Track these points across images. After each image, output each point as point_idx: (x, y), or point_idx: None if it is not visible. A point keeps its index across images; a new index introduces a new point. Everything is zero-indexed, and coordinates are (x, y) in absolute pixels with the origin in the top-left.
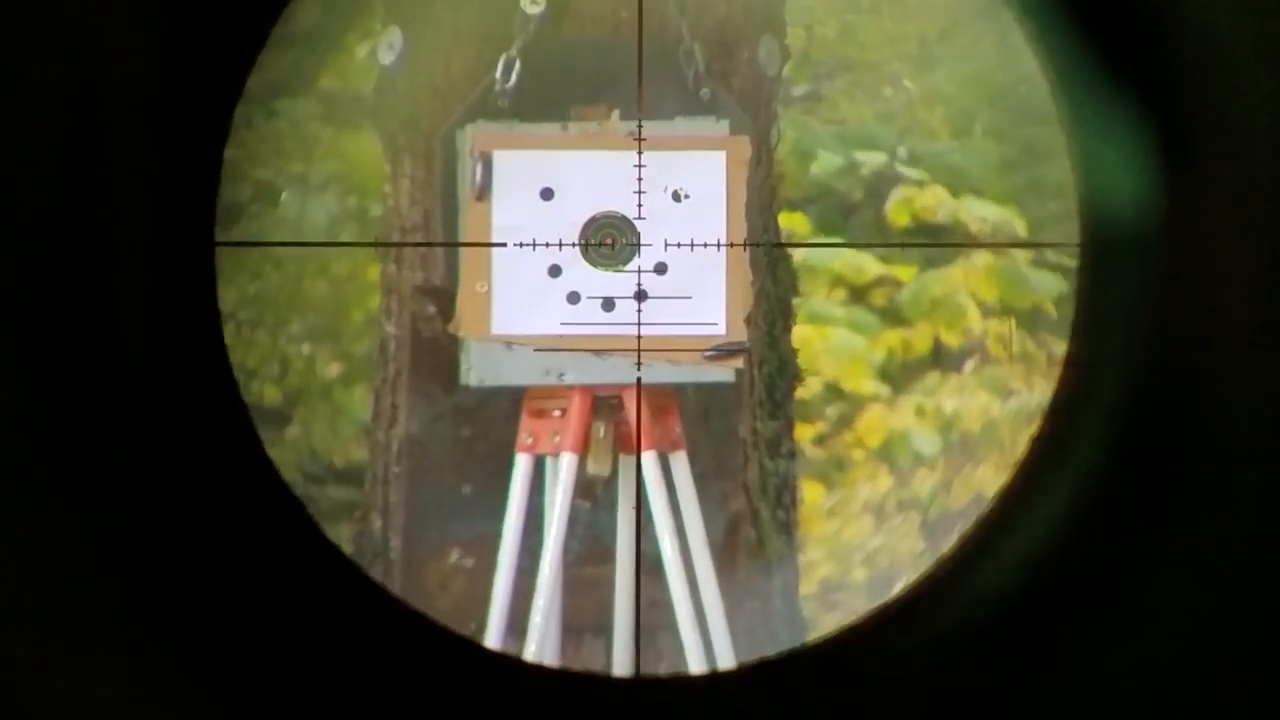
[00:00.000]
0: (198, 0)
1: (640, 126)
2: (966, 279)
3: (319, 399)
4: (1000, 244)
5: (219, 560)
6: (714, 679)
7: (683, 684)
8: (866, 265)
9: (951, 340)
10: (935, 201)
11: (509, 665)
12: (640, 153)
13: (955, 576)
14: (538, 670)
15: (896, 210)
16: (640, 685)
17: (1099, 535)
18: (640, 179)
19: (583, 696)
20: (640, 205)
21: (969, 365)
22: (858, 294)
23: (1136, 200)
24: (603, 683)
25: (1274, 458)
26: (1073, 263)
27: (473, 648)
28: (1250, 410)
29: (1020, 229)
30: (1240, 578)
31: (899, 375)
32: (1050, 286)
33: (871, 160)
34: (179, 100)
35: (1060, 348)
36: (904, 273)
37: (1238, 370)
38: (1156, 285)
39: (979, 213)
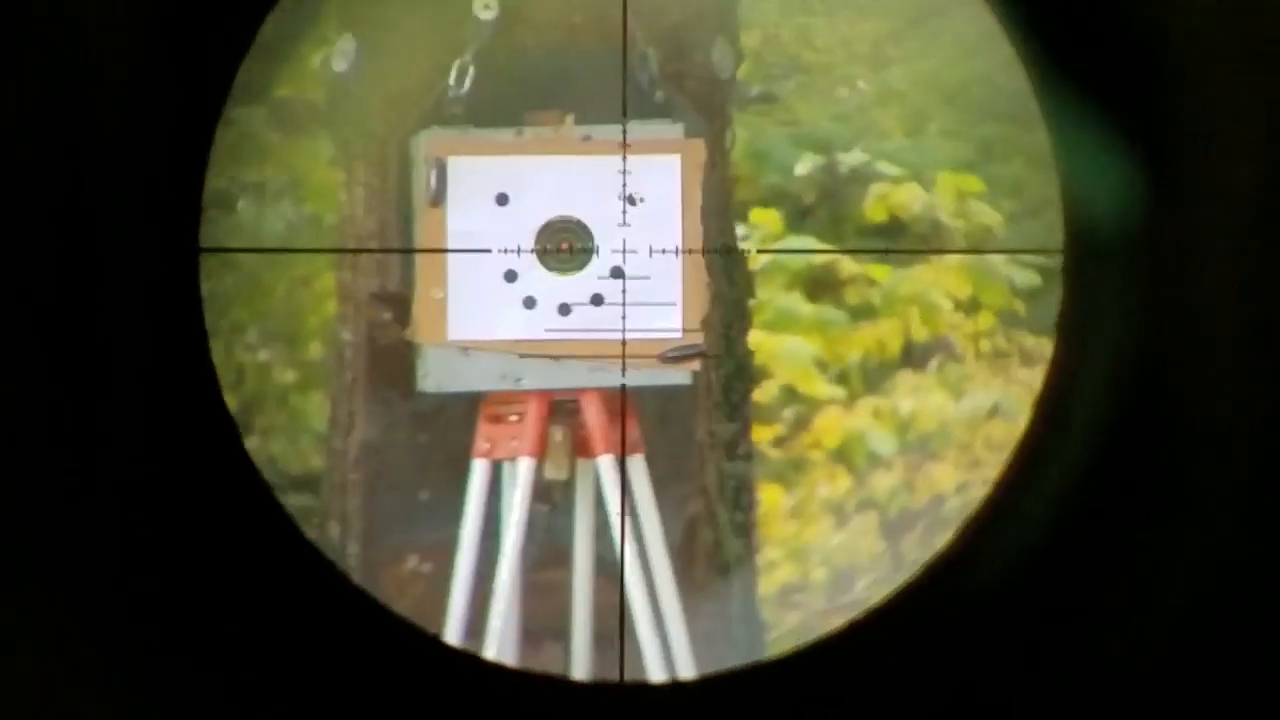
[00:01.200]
0: (182, 5)
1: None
2: (939, 276)
3: (276, 406)
4: (984, 250)
5: (199, 563)
6: (677, 689)
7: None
8: (838, 264)
9: (920, 338)
10: (910, 198)
11: (476, 666)
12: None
13: (941, 578)
14: (500, 670)
15: (874, 207)
16: (600, 690)
17: (1083, 540)
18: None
19: (543, 698)
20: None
21: (933, 364)
22: (826, 291)
23: (1119, 204)
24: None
25: (1256, 460)
26: (1048, 261)
27: (441, 647)
28: (1233, 413)
29: (995, 223)
30: (1221, 578)
31: (861, 376)
32: (1024, 282)
33: (848, 159)
34: (163, 106)
35: (1032, 343)
36: (878, 271)
37: (1221, 372)
38: (1140, 288)
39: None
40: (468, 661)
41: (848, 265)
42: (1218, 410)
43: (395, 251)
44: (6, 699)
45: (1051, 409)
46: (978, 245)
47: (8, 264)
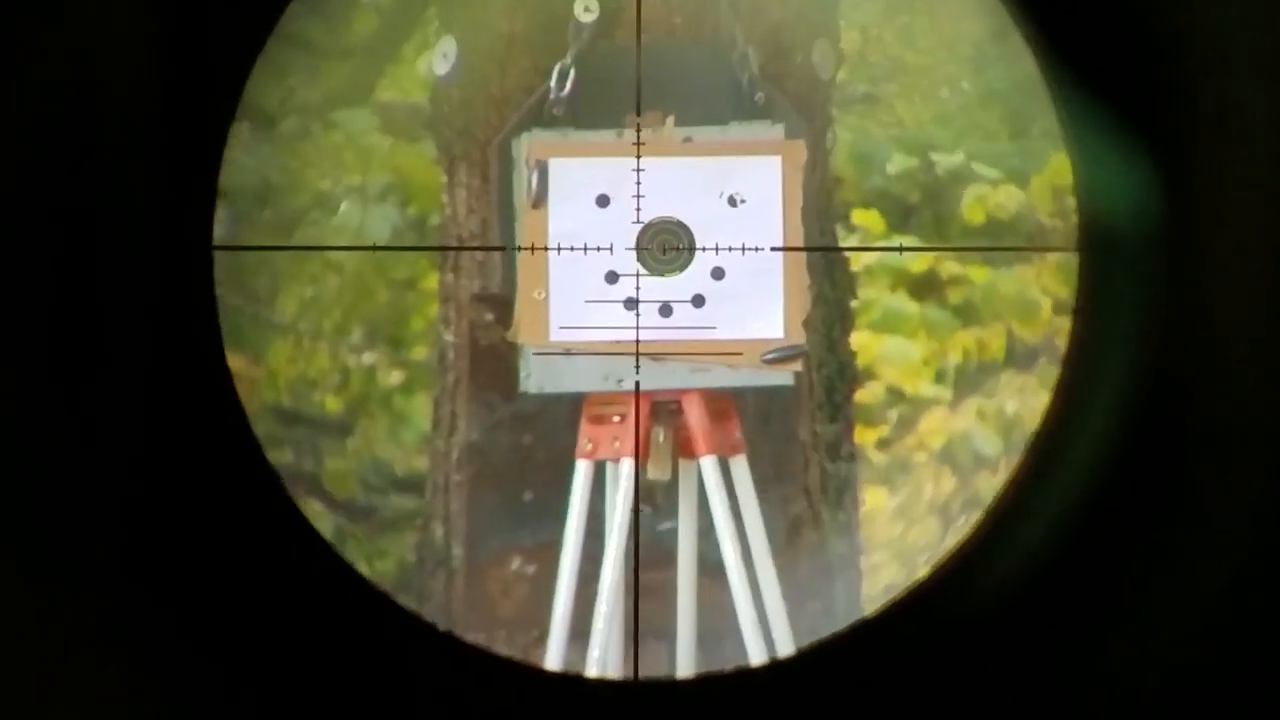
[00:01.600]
0: (195, 4)
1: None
2: (1038, 276)
3: (380, 408)
4: (997, 248)
5: (216, 565)
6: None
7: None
8: (939, 264)
9: (1025, 339)
10: (1009, 199)
11: (529, 673)
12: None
13: (955, 577)
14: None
15: (971, 209)
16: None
17: (1099, 537)
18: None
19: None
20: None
21: (1039, 364)
22: (928, 292)
23: (1135, 203)
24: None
25: (1274, 457)
26: None
27: (489, 658)
28: (1250, 410)
29: None
30: (1240, 578)
31: (964, 376)
32: None
33: (946, 161)
34: (176, 103)
35: None
36: (977, 273)
37: (1238, 370)
38: (1156, 287)
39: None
40: (451, 646)
41: (948, 266)
42: (1235, 408)
43: (422, 250)
44: (20, 698)
45: (1066, 409)
46: (995, 247)
47: (17, 262)
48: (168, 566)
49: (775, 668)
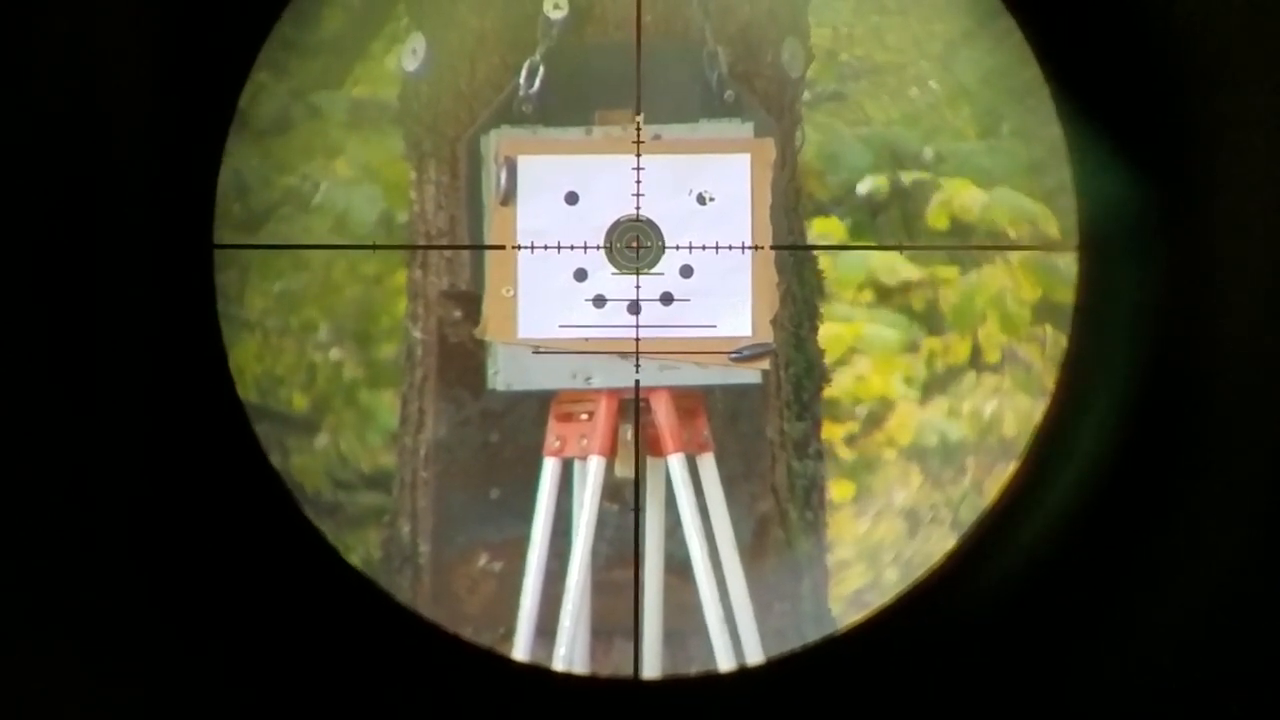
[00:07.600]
0: (196, 4)
1: (639, 129)
2: (1009, 278)
3: (346, 405)
4: (998, 246)
5: (216, 563)
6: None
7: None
8: (900, 268)
9: (992, 340)
10: (972, 201)
11: (533, 673)
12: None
13: (959, 573)
14: (563, 677)
15: (936, 214)
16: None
17: (1100, 532)
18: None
19: (609, 701)
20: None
21: (1007, 364)
22: (890, 296)
23: (1135, 201)
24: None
25: (1273, 453)
26: None
27: (492, 656)
28: (1249, 407)
29: (1053, 228)
30: (1240, 573)
31: (932, 377)
32: None
33: (908, 177)
34: (177, 104)
35: None
36: (946, 273)
37: (1237, 368)
38: (1155, 285)
39: (1019, 207)
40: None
41: (916, 268)
42: (1234, 408)
43: (426, 249)
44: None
45: (1065, 407)
46: (996, 246)
47: (22, 262)
48: (162, 561)
49: (745, 674)
